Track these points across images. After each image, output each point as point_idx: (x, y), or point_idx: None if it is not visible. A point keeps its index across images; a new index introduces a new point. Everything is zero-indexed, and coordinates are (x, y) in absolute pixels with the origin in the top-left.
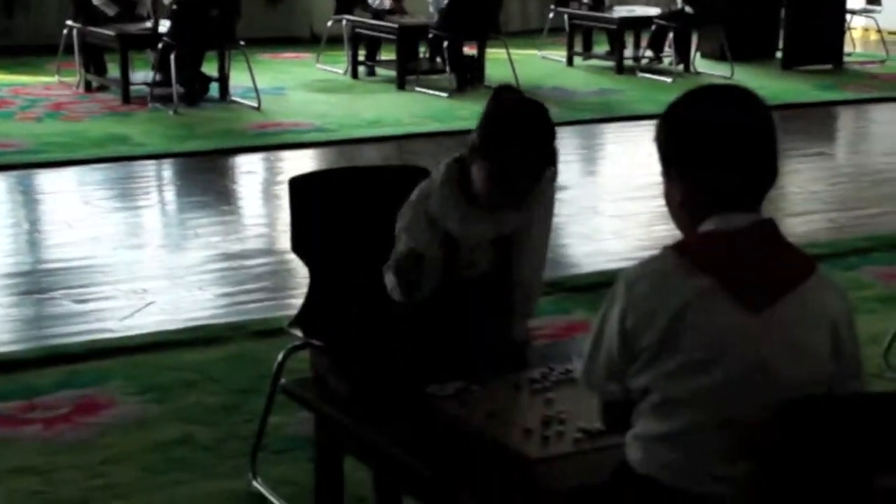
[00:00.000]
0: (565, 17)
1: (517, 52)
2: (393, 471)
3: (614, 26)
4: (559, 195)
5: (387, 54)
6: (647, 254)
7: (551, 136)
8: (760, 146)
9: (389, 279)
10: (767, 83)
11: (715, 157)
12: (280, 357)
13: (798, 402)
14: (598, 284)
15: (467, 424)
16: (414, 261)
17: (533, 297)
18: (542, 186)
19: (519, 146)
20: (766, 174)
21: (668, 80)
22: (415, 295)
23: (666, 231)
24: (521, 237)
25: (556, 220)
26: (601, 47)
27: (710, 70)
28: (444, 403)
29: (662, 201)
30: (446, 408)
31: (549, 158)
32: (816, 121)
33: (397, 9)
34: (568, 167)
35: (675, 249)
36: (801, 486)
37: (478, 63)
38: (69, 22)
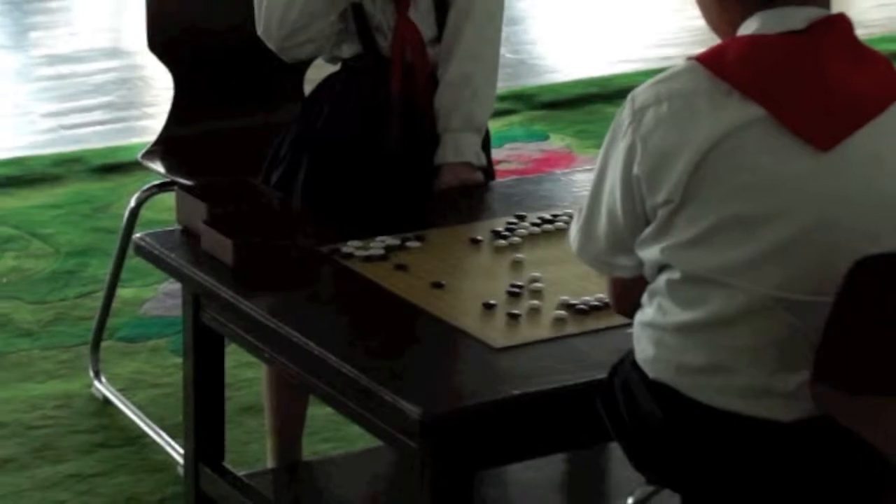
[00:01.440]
0: None
1: None
2: (297, 367)
3: None
4: None
5: None
6: (656, 56)
7: None
8: None
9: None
10: None
11: None
12: (132, 202)
13: (879, 259)
14: (585, 98)
15: (403, 299)
16: None
17: (479, 99)
18: None
19: None
20: None
21: None
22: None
23: (688, 22)
24: (453, 15)
25: (525, 4)
26: None
27: None
28: (368, 268)
29: None
30: (372, 275)
31: None
32: None
33: None
34: None
35: (704, 63)
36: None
37: None
38: None
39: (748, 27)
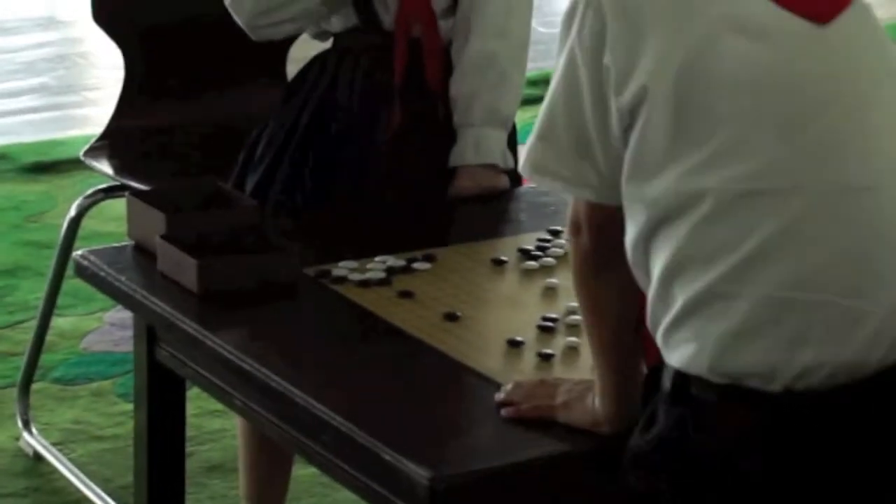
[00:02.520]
0: None
1: None
2: (275, 418)
3: None
4: None
5: None
6: None
7: None
8: None
9: None
10: None
11: None
12: (72, 211)
13: None
14: None
15: (409, 333)
16: None
17: (506, 85)
18: None
19: None
20: None
21: None
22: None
23: None
24: None
25: None
26: None
27: None
28: (366, 295)
29: None
30: (371, 304)
31: None
32: None
33: None
34: None
35: None
36: None
37: None
38: None
39: None
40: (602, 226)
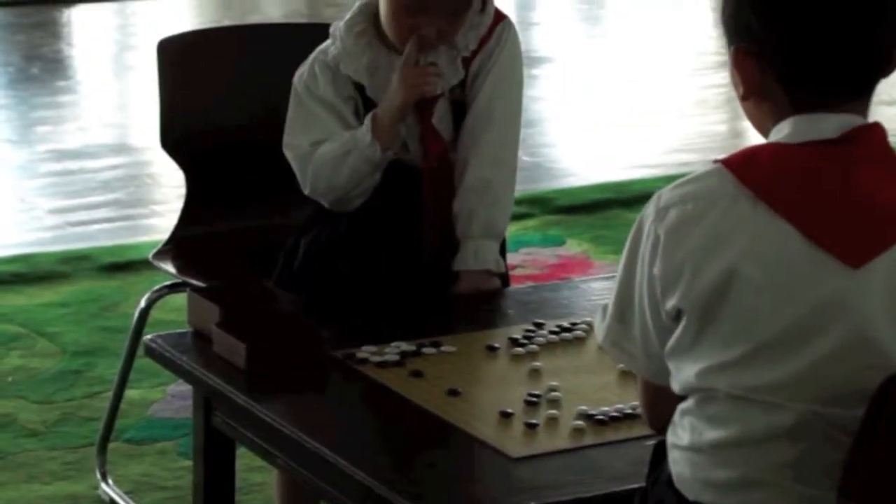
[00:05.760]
0: None
1: None
2: (309, 473)
3: None
4: (539, 70)
5: None
6: (674, 162)
7: None
8: (865, 5)
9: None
10: None
11: (796, 20)
12: (142, 303)
13: None
14: (602, 203)
15: (419, 406)
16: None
17: (499, 205)
18: (493, 47)
19: None
20: (872, 49)
21: None
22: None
23: (706, 128)
24: (471, 119)
25: (541, 107)
26: None
27: None
28: (383, 374)
29: (700, 83)
30: (387, 381)
31: None
32: None
33: None
34: (561, 30)
35: (731, 167)
36: None
37: None
38: None
39: (779, 132)
40: (660, 400)
